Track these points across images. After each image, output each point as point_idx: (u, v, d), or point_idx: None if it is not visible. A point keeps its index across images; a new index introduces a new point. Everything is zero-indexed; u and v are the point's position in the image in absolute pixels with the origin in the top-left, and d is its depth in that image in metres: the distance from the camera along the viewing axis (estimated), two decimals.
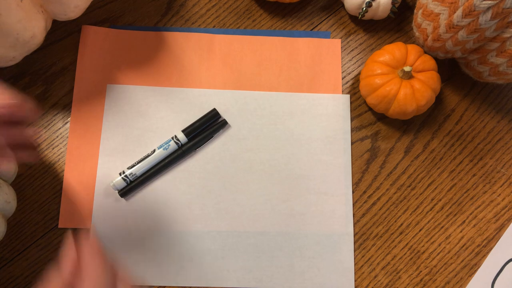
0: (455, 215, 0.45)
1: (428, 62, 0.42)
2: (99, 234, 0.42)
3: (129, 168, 0.43)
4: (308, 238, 0.43)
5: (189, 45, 0.47)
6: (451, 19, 0.37)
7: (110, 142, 0.44)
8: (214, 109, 0.45)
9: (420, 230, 0.44)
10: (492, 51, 0.39)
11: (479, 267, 0.44)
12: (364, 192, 0.45)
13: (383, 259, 0.44)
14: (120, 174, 0.43)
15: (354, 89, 0.47)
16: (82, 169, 0.44)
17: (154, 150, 0.43)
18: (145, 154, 0.44)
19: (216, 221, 0.43)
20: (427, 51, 0.44)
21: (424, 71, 0.42)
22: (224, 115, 0.45)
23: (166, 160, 0.43)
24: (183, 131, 0.44)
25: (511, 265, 0.43)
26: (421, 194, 0.45)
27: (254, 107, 0.46)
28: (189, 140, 0.44)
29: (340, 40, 0.48)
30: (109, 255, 0.27)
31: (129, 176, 0.43)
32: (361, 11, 0.46)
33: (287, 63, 0.47)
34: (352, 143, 0.46)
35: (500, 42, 0.37)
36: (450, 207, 0.45)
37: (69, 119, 0.45)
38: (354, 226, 0.44)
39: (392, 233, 0.44)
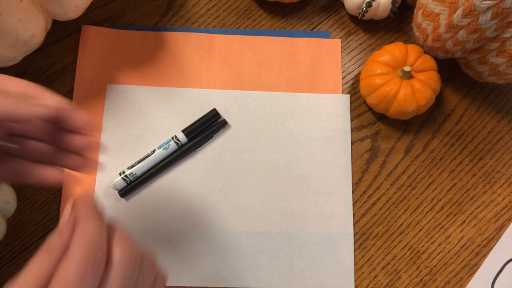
0: (455, 215, 0.45)
1: (428, 62, 0.42)
2: None
3: (129, 168, 0.43)
4: (308, 238, 0.43)
5: (189, 45, 0.47)
6: (451, 19, 0.37)
7: (110, 142, 0.44)
8: (214, 109, 0.45)
9: (420, 230, 0.44)
10: (492, 51, 0.39)
11: (479, 267, 0.44)
12: (364, 192, 0.45)
13: (383, 259, 0.44)
14: (120, 174, 0.43)
15: (354, 89, 0.47)
16: None
17: (154, 150, 0.43)
18: (145, 154, 0.44)
19: (216, 221, 0.43)
20: (427, 51, 0.44)
21: (424, 71, 0.42)
22: (224, 115, 0.45)
23: (166, 160, 0.43)
24: (183, 131, 0.44)
25: (511, 265, 0.43)
26: (421, 194, 0.45)
27: (254, 107, 0.46)
28: (189, 140, 0.44)
29: (340, 40, 0.48)
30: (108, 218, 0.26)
31: (129, 176, 0.43)
32: (361, 11, 0.46)
33: (287, 63, 0.47)
34: (352, 143, 0.46)
35: (500, 42, 0.37)
36: (450, 207, 0.45)
37: None
38: (354, 226, 0.44)
39: (392, 233, 0.44)
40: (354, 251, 0.43)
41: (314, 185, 0.44)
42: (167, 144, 0.43)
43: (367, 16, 0.46)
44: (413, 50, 0.42)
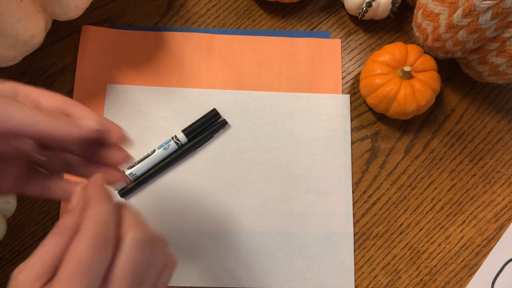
0: (455, 215, 0.45)
1: (428, 62, 0.42)
2: None
3: (129, 168, 0.43)
4: (308, 238, 0.43)
5: (189, 45, 0.47)
6: (451, 19, 0.37)
7: None
8: (214, 109, 0.45)
9: (420, 230, 0.44)
10: (492, 51, 0.39)
11: (479, 267, 0.44)
12: (364, 192, 0.45)
13: (383, 259, 0.44)
14: None
15: (354, 89, 0.47)
16: None
17: (154, 150, 0.43)
18: (145, 154, 0.44)
19: (216, 221, 0.43)
20: (427, 51, 0.44)
21: (424, 71, 0.42)
22: (224, 115, 0.45)
23: (166, 160, 0.43)
24: (183, 131, 0.44)
25: (511, 265, 0.43)
26: (421, 194, 0.45)
27: (254, 107, 0.46)
28: (189, 140, 0.44)
29: (340, 40, 0.48)
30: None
31: (129, 176, 0.43)
32: (361, 11, 0.46)
33: (287, 63, 0.47)
34: (352, 143, 0.46)
35: (500, 42, 0.37)
36: (450, 207, 0.45)
37: None
38: (354, 226, 0.44)
39: (392, 233, 0.44)
40: (354, 251, 0.43)
41: (314, 185, 0.44)
42: (167, 144, 0.43)
43: (367, 16, 0.46)
44: (413, 50, 0.42)
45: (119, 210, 0.25)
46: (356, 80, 0.47)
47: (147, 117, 0.45)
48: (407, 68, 0.41)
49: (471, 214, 0.45)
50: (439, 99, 0.47)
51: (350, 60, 0.48)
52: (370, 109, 0.47)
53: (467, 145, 0.46)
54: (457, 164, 0.46)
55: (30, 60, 0.46)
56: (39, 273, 0.21)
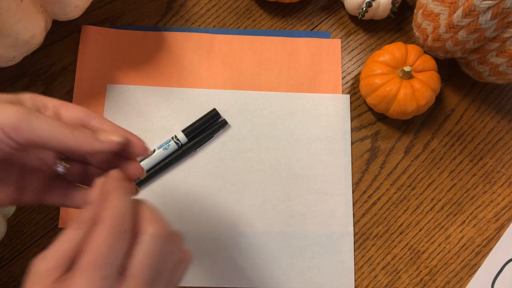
0: (455, 215, 0.45)
1: (428, 62, 0.42)
2: None
3: None
4: (308, 238, 0.43)
5: (189, 45, 0.47)
6: (451, 19, 0.37)
7: None
8: (214, 109, 0.45)
9: (420, 230, 0.44)
10: (492, 51, 0.39)
11: (479, 267, 0.44)
12: (364, 192, 0.45)
13: (383, 259, 0.44)
14: None
15: (354, 89, 0.47)
16: None
17: (154, 150, 0.43)
18: None
19: (216, 221, 0.43)
20: (427, 51, 0.44)
21: (424, 71, 0.42)
22: (224, 115, 0.45)
23: (166, 160, 0.43)
24: (183, 131, 0.44)
25: (511, 265, 0.43)
26: (421, 194, 0.45)
27: (254, 107, 0.46)
28: (189, 140, 0.44)
29: (340, 40, 0.48)
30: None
31: None
32: (361, 11, 0.46)
33: (287, 63, 0.47)
34: (352, 143, 0.46)
35: (500, 42, 0.37)
36: (450, 207, 0.45)
37: None
38: (354, 226, 0.44)
39: (392, 233, 0.44)
40: (354, 251, 0.43)
41: (314, 185, 0.44)
42: (167, 144, 0.43)
43: (367, 16, 0.46)
44: (413, 50, 0.43)
45: (136, 205, 0.25)
46: (356, 80, 0.47)
47: (147, 117, 0.45)
48: (407, 68, 0.41)
49: (471, 214, 0.45)
50: (439, 99, 0.47)
51: (350, 60, 0.48)
52: (370, 109, 0.47)
53: (467, 145, 0.46)
54: (457, 164, 0.46)
55: (30, 60, 0.46)
56: (57, 263, 0.21)
